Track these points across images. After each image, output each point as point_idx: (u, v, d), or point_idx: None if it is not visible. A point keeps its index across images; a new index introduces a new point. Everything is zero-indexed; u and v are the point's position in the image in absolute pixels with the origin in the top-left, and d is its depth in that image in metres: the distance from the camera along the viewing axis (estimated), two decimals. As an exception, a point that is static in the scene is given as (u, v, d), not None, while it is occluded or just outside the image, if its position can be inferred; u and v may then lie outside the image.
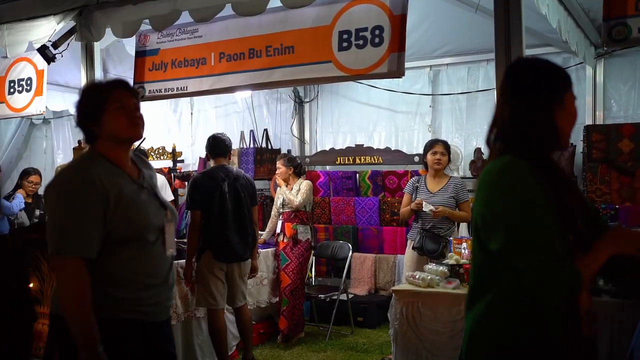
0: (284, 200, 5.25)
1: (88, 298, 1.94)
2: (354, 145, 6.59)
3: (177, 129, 7.09)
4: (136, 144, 2.34)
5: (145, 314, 2.08)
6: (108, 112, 2.08)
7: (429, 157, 4.48)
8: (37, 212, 5.98)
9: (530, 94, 1.70)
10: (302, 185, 5.21)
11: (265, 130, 6.79)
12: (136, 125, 2.13)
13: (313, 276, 5.93)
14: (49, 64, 4.13)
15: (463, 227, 5.29)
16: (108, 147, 2.11)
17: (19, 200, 5.80)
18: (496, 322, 1.69)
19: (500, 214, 1.62)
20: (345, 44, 3.44)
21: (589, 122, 5.38)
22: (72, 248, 1.95)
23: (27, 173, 6.08)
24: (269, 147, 6.73)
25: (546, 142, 1.70)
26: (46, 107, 4.82)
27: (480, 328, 1.72)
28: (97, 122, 2.09)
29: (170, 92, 4.11)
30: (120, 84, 2.18)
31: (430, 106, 6.26)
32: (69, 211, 1.96)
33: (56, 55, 4.01)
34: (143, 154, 3.81)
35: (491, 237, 1.64)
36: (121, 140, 2.13)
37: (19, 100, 4.73)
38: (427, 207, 4.27)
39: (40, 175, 6.14)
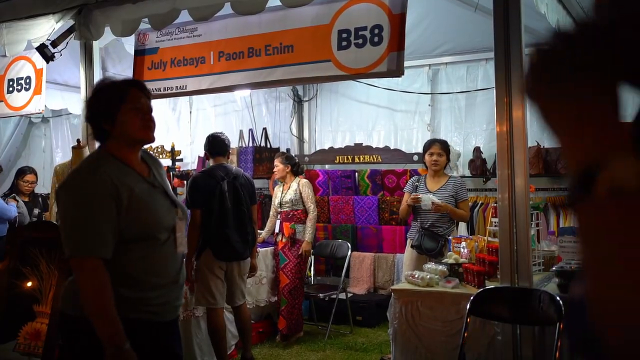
0: (282, 199, 5.24)
1: (110, 295, 1.93)
2: (353, 144, 6.58)
3: (176, 128, 7.07)
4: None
5: (153, 313, 2.07)
6: (123, 112, 2.06)
7: (427, 157, 4.49)
8: (36, 211, 5.96)
9: None
10: (303, 188, 5.19)
11: (265, 129, 6.78)
12: (148, 127, 2.12)
13: (312, 275, 5.93)
14: (47, 62, 4.12)
15: (462, 226, 5.29)
16: (118, 147, 2.10)
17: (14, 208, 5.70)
18: None
19: None
20: (344, 43, 3.44)
21: (588, 121, 5.38)
22: (88, 249, 1.95)
23: (22, 172, 6.01)
24: (268, 146, 6.72)
25: None
26: (45, 105, 4.81)
27: None
28: (110, 122, 2.07)
29: (169, 91, 4.11)
30: (136, 83, 2.17)
31: (429, 105, 6.25)
32: (83, 212, 1.96)
33: (55, 54, 4.00)
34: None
35: None
36: (133, 142, 2.12)
37: (17, 98, 4.72)
38: (427, 200, 4.25)
39: (36, 174, 6.09)
